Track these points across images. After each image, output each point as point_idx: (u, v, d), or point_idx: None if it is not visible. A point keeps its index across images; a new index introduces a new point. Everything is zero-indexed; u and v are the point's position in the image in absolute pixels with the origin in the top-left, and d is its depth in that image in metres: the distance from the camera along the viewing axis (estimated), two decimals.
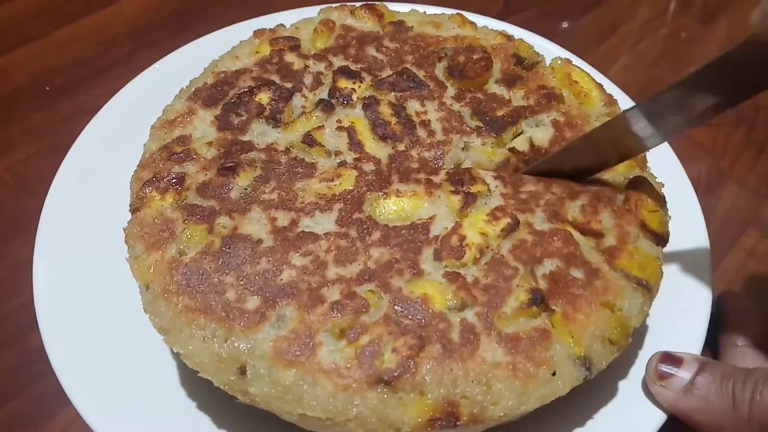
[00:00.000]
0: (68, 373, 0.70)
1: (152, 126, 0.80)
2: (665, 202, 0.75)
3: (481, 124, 0.81)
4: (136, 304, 0.67)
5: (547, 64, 0.89)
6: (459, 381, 0.59)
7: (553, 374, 0.60)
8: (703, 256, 0.84)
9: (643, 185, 0.75)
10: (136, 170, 0.75)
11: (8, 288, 0.88)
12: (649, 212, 0.72)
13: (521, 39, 0.92)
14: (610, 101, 0.85)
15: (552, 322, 0.63)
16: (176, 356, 0.65)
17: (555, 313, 0.63)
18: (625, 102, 0.95)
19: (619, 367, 0.72)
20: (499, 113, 0.82)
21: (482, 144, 0.79)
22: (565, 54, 1.03)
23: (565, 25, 1.39)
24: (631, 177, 0.76)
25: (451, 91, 0.85)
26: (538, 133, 0.80)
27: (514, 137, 0.81)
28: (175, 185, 0.72)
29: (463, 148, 0.79)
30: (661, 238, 0.71)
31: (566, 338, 0.62)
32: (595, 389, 0.69)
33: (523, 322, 0.62)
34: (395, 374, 0.58)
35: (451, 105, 0.83)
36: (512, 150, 0.79)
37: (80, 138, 0.91)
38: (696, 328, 0.76)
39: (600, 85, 0.87)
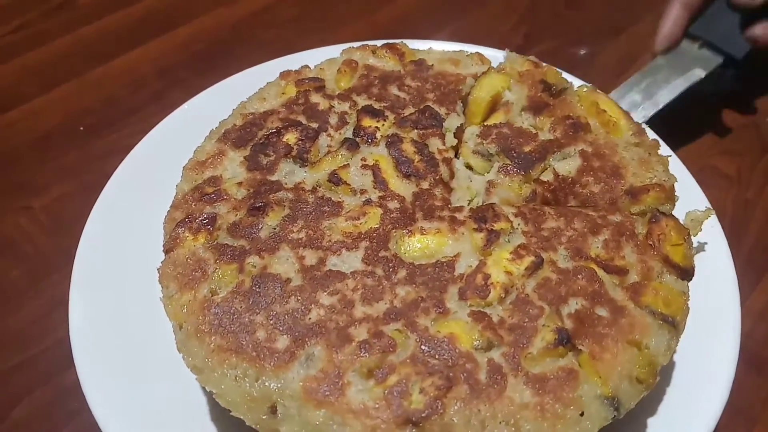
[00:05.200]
0: (103, 410, 0.72)
1: (184, 167, 0.82)
2: (689, 235, 0.75)
3: (508, 162, 0.81)
4: (170, 342, 0.69)
5: (575, 90, 0.89)
6: (487, 422, 0.59)
7: (581, 415, 0.60)
8: (731, 288, 0.84)
9: (665, 218, 0.75)
10: (169, 211, 0.78)
11: (43, 325, 0.90)
12: (672, 246, 0.72)
13: (549, 65, 0.92)
14: (639, 130, 0.85)
15: (579, 361, 0.63)
16: (209, 394, 0.67)
17: (582, 353, 0.63)
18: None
19: (648, 404, 0.72)
20: (526, 149, 0.82)
21: (510, 183, 0.80)
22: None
23: (582, 52, 1.40)
24: (657, 209, 0.76)
25: (475, 129, 0.86)
26: (566, 165, 0.81)
27: (542, 173, 0.81)
28: (207, 225, 0.75)
29: (487, 189, 0.80)
30: (686, 272, 0.71)
31: (594, 378, 0.62)
32: (624, 427, 0.69)
33: (549, 362, 0.63)
34: (423, 415, 0.59)
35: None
36: (537, 181, 0.80)
37: (113, 178, 0.95)
38: (725, 363, 0.76)
39: (627, 114, 0.87)
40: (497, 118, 0.87)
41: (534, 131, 0.84)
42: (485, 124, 0.86)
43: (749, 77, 1.20)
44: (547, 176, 0.80)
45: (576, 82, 1.07)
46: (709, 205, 0.92)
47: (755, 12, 1.12)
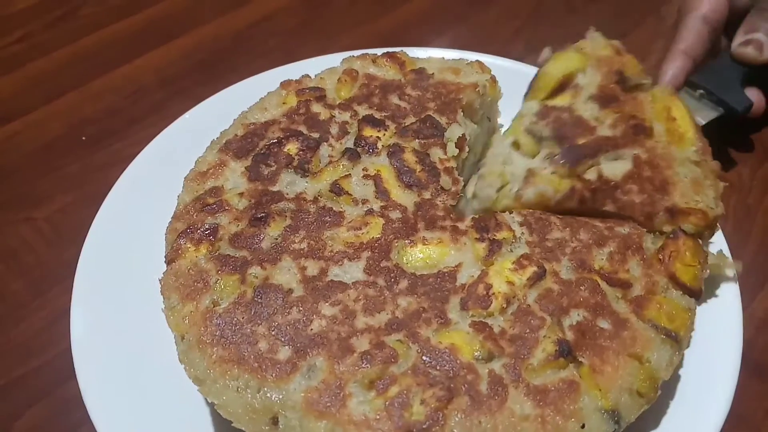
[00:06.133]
0: (105, 422, 0.72)
1: (185, 178, 0.83)
2: (706, 259, 0.73)
3: (558, 150, 0.79)
4: (171, 353, 0.69)
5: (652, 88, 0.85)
6: None
7: (582, 427, 0.60)
8: (733, 295, 0.83)
9: (684, 237, 0.73)
10: (170, 222, 0.78)
11: (46, 337, 0.90)
12: (684, 265, 0.71)
13: (632, 56, 0.87)
14: (705, 149, 0.79)
15: (580, 373, 0.63)
16: (211, 405, 0.67)
17: (582, 365, 0.63)
18: None
19: (649, 414, 0.71)
20: (580, 141, 0.79)
21: (552, 173, 0.78)
22: None
23: None
24: (680, 227, 0.74)
25: (535, 105, 0.83)
26: (615, 167, 0.78)
27: (587, 170, 0.78)
28: (209, 236, 0.75)
29: (526, 177, 0.78)
30: (693, 293, 0.70)
31: (594, 390, 0.62)
32: None
33: (550, 373, 0.63)
34: (424, 427, 0.59)
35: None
36: (579, 177, 0.78)
37: (114, 188, 0.95)
38: (727, 371, 0.75)
39: (698, 128, 0.81)
40: (563, 100, 0.84)
41: (594, 124, 0.81)
42: (547, 104, 0.83)
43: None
44: (590, 175, 0.78)
45: None
46: None
47: (762, 68, 1.07)
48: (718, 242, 0.88)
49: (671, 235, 0.73)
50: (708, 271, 0.74)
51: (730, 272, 0.82)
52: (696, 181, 0.77)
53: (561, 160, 0.78)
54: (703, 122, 1.05)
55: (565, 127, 0.80)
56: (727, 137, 1.21)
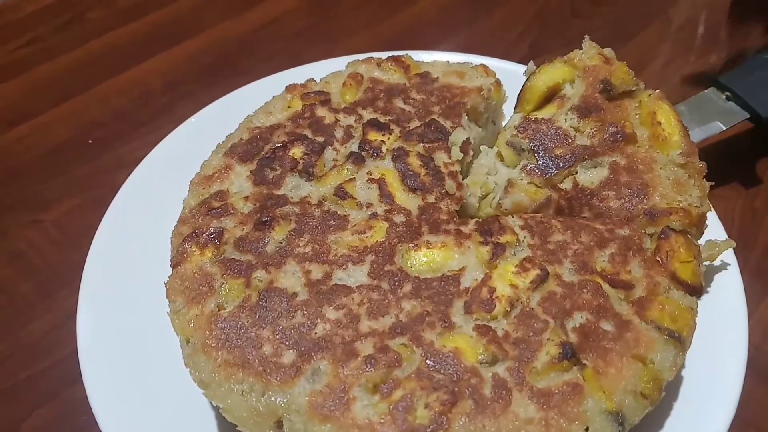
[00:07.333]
0: (111, 425, 0.72)
1: (191, 182, 0.83)
2: (700, 252, 0.74)
3: (534, 162, 0.80)
4: (177, 357, 0.69)
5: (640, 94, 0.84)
6: None
7: (586, 430, 0.60)
8: (738, 299, 0.83)
9: (674, 234, 0.73)
10: (176, 225, 0.79)
11: (53, 339, 0.91)
12: (681, 263, 0.71)
13: (623, 63, 0.86)
14: (690, 152, 0.79)
15: (583, 376, 0.63)
16: (216, 409, 0.67)
17: (586, 368, 0.63)
18: None
19: (654, 418, 0.72)
20: (557, 152, 0.81)
21: (528, 183, 0.80)
22: None
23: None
24: (668, 226, 0.74)
25: (518, 118, 0.85)
26: (591, 175, 0.79)
27: (564, 179, 0.80)
28: (214, 240, 0.75)
29: (506, 187, 0.80)
30: (694, 290, 0.70)
31: (598, 393, 0.62)
32: None
33: (554, 376, 0.63)
34: (428, 430, 0.59)
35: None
36: (554, 187, 0.79)
37: (120, 192, 0.95)
38: (732, 377, 0.75)
39: (685, 131, 0.81)
40: (549, 111, 0.85)
41: (573, 134, 0.82)
42: (528, 116, 0.85)
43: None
44: (566, 184, 0.79)
45: None
46: (715, 215, 0.91)
47: None
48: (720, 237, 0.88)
49: (661, 235, 0.73)
50: (704, 264, 0.74)
51: (727, 253, 0.82)
52: (678, 181, 0.78)
53: (537, 171, 0.79)
54: (724, 127, 1.03)
55: (543, 138, 0.82)
56: (732, 139, 1.21)
